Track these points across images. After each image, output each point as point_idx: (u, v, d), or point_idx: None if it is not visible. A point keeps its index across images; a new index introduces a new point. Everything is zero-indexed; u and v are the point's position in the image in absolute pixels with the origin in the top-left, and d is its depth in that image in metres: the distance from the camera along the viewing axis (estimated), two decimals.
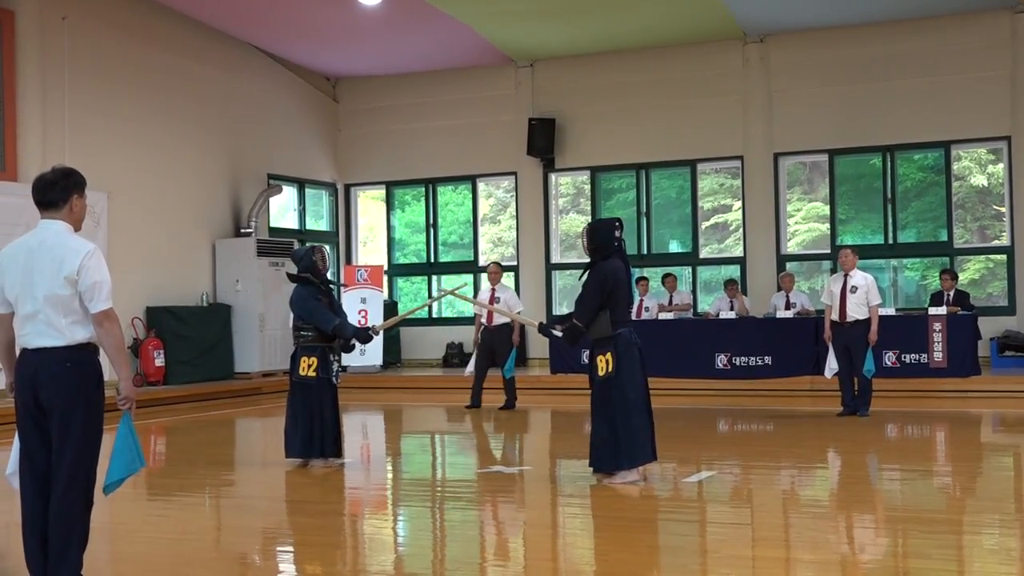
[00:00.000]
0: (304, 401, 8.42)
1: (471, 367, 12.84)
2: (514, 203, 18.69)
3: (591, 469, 7.48)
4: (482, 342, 12.77)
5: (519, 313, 12.64)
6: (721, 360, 13.89)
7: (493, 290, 12.90)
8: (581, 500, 7.24)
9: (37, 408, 4.53)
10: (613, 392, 7.33)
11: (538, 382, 14.05)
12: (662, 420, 11.78)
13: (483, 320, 12.77)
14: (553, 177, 18.30)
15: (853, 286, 11.13)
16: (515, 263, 18.33)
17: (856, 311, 11.09)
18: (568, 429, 11.39)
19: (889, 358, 12.97)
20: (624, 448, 7.27)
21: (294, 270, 8.73)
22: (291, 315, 8.60)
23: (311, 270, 8.48)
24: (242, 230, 16.88)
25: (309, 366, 8.37)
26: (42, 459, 4.56)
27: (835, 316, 11.17)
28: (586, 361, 14.30)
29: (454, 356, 17.82)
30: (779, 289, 15.13)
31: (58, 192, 4.63)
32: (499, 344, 12.62)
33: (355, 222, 19.85)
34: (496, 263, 13.74)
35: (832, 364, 11.25)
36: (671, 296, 15.37)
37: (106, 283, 4.53)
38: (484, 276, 18.91)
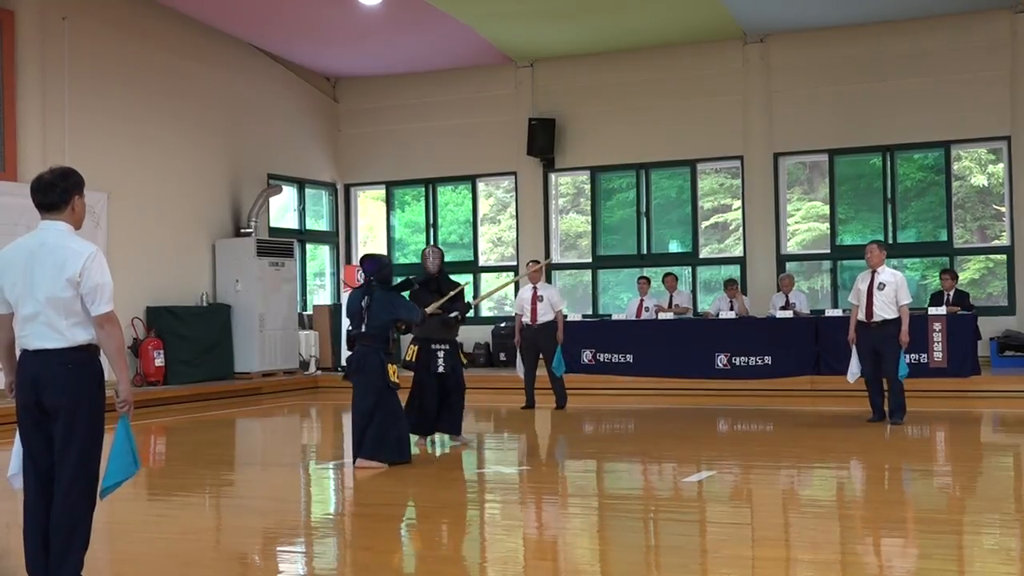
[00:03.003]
0: (396, 404, 8.64)
1: (519, 369, 12.82)
2: (514, 203, 18.70)
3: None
4: (525, 341, 12.75)
5: (559, 312, 12.80)
6: (721, 360, 13.89)
7: (535, 289, 12.84)
8: (581, 500, 7.25)
9: (39, 410, 4.52)
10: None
11: (538, 382, 14.02)
12: (662, 420, 11.82)
13: (525, 320, 12.72)
14: (553, 177, 18.30)
15: (881, 283, 10.42)
16: (515, 263, 18.33)
17: (884, 310, 10.36)
18: (568, 429, 11.40)
19: None
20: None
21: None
22: (362, 321, 8.69)
23: (389, 278, 8.83)
24: (242, 230, 16.88)
25: (394, 371, 8.64)
26: (45, 461, 4.56)
27: (862, 316, 10.52)
28: (586, 361, 14.48)
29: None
30: (778, 290, 15.15)
31: (59, 194, 4.61)
32: (544, 342, 12.61)
33: (355, 222, 19.85)
34: (535, 261, 13.72)
35: (854, 368, 10.67)
36: (671, 296, 15.37)
37: (108, 285, 4.51)
38: (485, 276, 19.09)
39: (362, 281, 9.05)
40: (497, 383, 13.57)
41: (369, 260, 8.91)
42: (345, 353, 16.77)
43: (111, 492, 4.73)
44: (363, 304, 8.67)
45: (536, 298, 12.73)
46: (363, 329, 8.65)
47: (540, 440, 10.80)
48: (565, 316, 13.24)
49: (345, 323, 16.87)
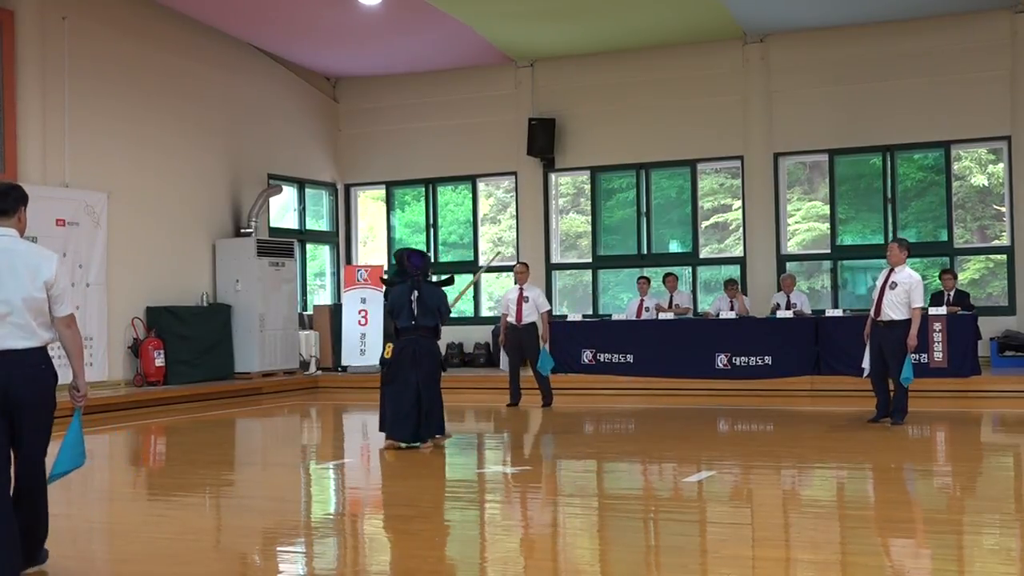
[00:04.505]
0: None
1: (503, 363, 13.06)
2: (514, 203, 18.70)
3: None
4: (510, 341, 12.91)
5: (544, 313, 13.07)
6: (721, 360, 13.89)
7: (521, 290, 12.99)
8: (581, 500, 7.25)
9: (3, 406, 4.76)
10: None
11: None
12: (662, 420, 11.82)
13: (510, 319, 12.93)
14: (553, 177, 18.30)
15: (893, 282, 10.26)
16: (514, 263, 18.31)
17: (892, 310, 10.22)
18: (568, 429, 11.40)
19: None
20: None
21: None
22: (412, 314, 9.29)
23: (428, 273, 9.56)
24: (242, 230, 16.88)
25: None
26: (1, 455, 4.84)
27: (872, 312, 10.46)
28: (586, 361, 14.55)
29: (453, 356, 17.83)
30: (779, 289, 15.15)
31: (10, 202, 4.95)
32: (528, 342, 12.84)
33: (355, 222, 19.85)
34: (523, 263, 13.87)
35: (866, 364, 10.58)
36: (671, 296, 15.38)
37: (70, 289, 5.00)
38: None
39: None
40: (497, 383, 13.57)
41: (417, 255, 9.46)
42: (348, 350, 16.93)
43: (59, 479, 5.18)
44: (412, 298, 9.20)
45: (522, 299, 12.93)
46: (413, 322, 9.23)
47: (540, 440, 10.79)
48: (565, 316, 13.36)
49: (346, 320, 16.99)
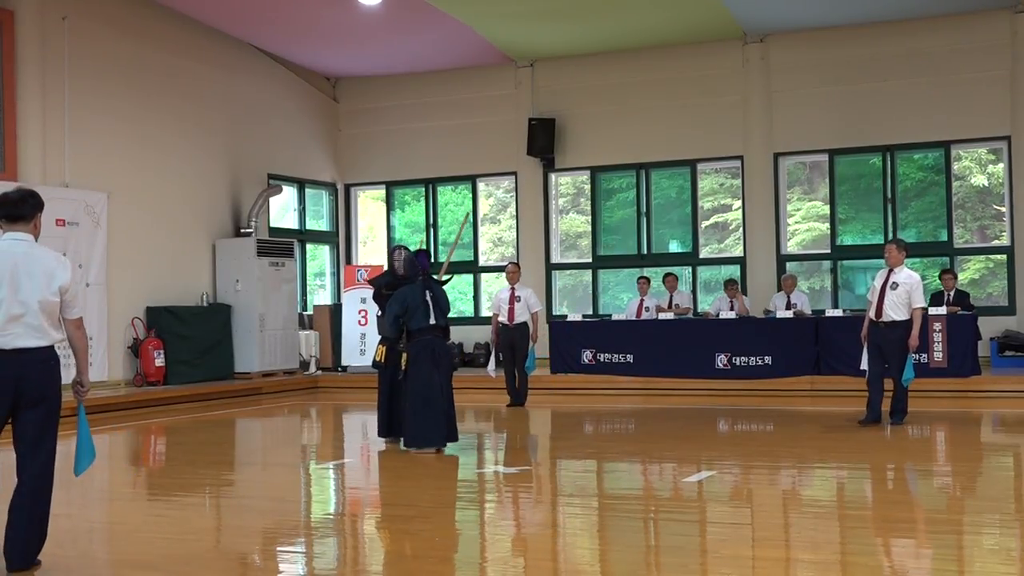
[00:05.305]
0: None
1: (493, 368, 13.04)
2: (514, 203, 18.70)
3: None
4: (503, 340, 12.93)
5: (536, 313, 13.09)
6: (721, 360, 13.90)
7: (512, 289, 13.03)
8: (581, 500, 7.25)
9: (12, 402, 4.97)
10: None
11: (538, 382, 14.07)
12: (662, 420, 11.82)
13: (503, 320, 12.97)
14: (553, 177, 18.30)
15: (894, 283, 10.25)
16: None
17: (893, 311, 10.21)
18: (568, 429, 11.40)
19: None
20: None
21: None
22: (427, 313, 9.14)
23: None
24: (242, 230, 16.88)
25: None
26: None
27: (872, 313, 10.36)
28: (587, 361, 14.58)
29: (454, 357, 17.81)
30: (779, 289, 15.15)
31: (28, 208, 5.17)
32: (519, 341, 12.89)
33: (355, 222, 19.85)
34: (514, 263, 13.91)
35: (864, 364, 10.52)
36: (671, 296, 15.38)
37: (81, 293, 5.11)
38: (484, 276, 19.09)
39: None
40: (496, 383, 13.57)
41: (424, 255, 9.41)
42: (348, 350, 16.93)
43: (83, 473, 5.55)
44: (428, 298, 9.11)
45: (513, 299, 12.98)
46: (432, 321, 9.11)
47: (539, 440, 10.80)
48: (565, 316, 13.39)
49: (345, 320, 16.99)
